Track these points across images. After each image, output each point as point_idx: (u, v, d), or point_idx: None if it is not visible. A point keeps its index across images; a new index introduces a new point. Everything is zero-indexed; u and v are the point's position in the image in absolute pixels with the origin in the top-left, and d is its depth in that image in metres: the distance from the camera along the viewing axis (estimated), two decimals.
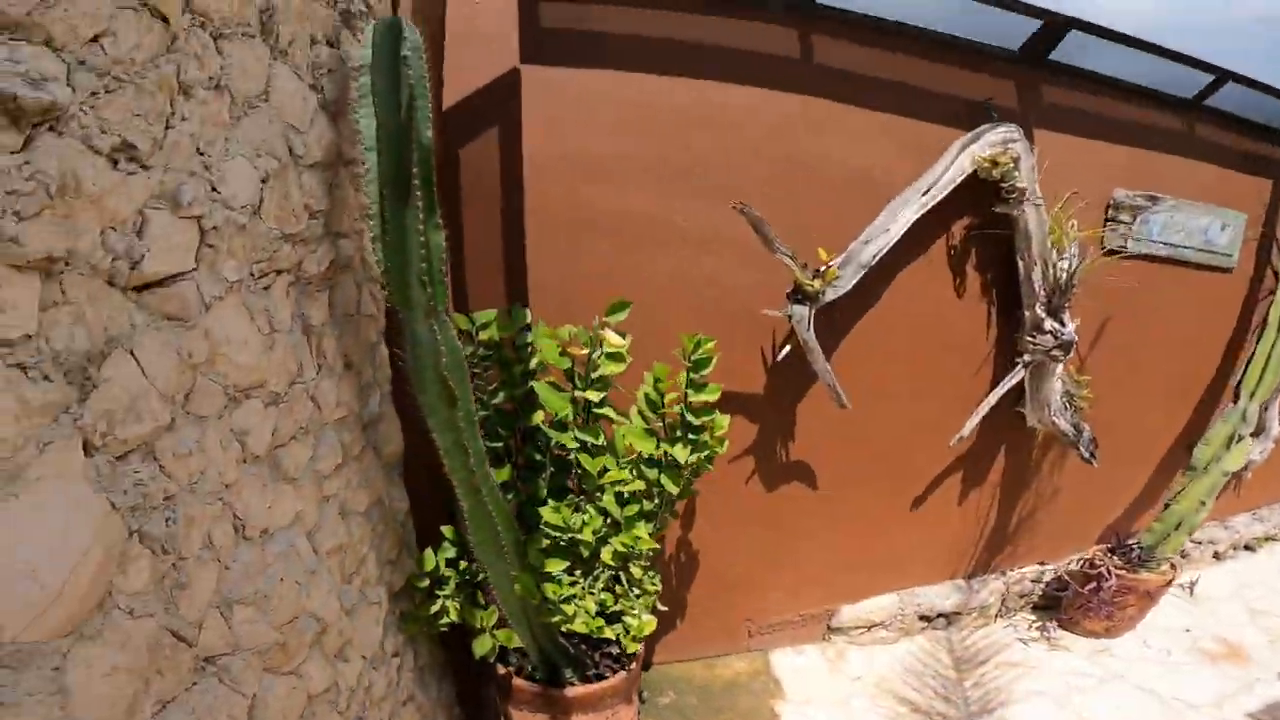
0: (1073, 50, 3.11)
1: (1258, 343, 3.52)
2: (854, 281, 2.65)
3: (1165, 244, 3.39)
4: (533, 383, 2.18)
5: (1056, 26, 2.94)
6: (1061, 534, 3.70)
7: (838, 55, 2.81)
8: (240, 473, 1.28)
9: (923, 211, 2.73)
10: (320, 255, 1.73)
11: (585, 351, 2.09)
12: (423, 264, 1.77)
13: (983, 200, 2.91)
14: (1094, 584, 3.36)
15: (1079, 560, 3.56)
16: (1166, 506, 3.57)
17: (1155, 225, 3.34)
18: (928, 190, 2.74)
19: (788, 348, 2.63)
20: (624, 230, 2.59)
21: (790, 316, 2.52)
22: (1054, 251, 2.87)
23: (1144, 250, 3.31)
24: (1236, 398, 3.54)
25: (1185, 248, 3.46)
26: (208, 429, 1.18)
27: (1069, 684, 3.04)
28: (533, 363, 2.20)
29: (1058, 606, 3.55)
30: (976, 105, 2.96)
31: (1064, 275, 2.80)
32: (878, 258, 2.66)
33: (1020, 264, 2.91)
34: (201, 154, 1.23)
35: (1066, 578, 3.52)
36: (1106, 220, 3.26)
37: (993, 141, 2.83)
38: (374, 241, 1.74)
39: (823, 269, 2.48)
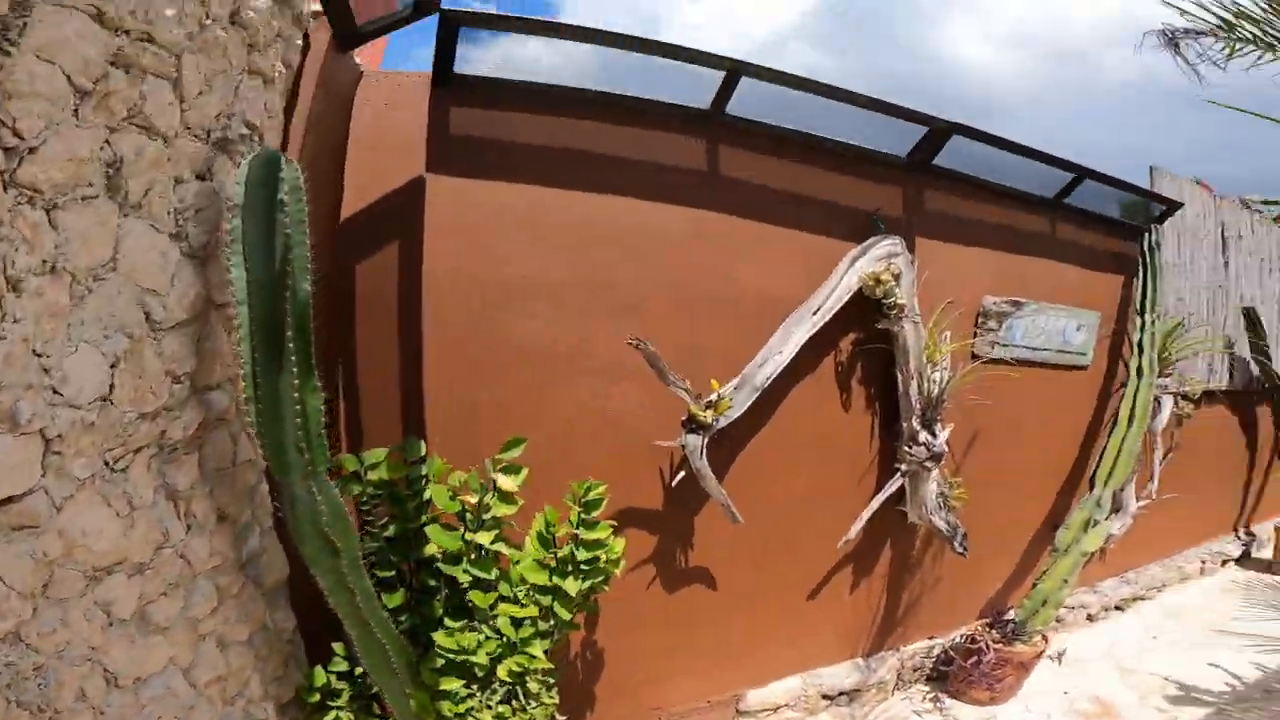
0: (953, 154, 3.34)
1: (1109, 435, 3.87)
2: (748, 404, 2.73)
3: (1028, 347, 3.69)
4: (425, 524, 2.13)
5: (939, 133, 3.16)
6: (947, 611, 3.91)
7: (741, 167, 2.93)
8: (106, 636, 1.32)
9: (814, 330, 2.85)
10: (186, 420, 1.63)
11: (477, 499, 2.06)
12: (299, 430, 1.69)
13: (867, 315, 3.07)
14: (975, 657, 3.57)
15: (963, 635, 3.77)
16: (1034, 585, 3.84)
17: (1019, 330, 3.63)
18: (818, 309, 2.88)
19: (682, 474, 2.67)
20: (529, 356, 2.59)
21: (684, 446, 2.57)
22: (929, 365, 3.06)
23: (1009, 355, 3.60)
24: (1092, 486, 3.86)
25: (1045, 349, 3.77)
26: (70, 608, 1.22)
27: None
28: (426, 496, 2.16)
29: (947, 678, 3.74)
30: (866, 216, 3.14)
31: (935, 390, 2.99)
32: (771, 379, 2.75)
33: (900, 378, 3.09)
34: (39, 355, 1.15)
35: (951, 652, 3.72)
36: (976, 328, 3.51)
37: (878, 256, 3.01)
38: (246, 404, 1.65)
39: (715, 399, 2.54)
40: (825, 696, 3.46)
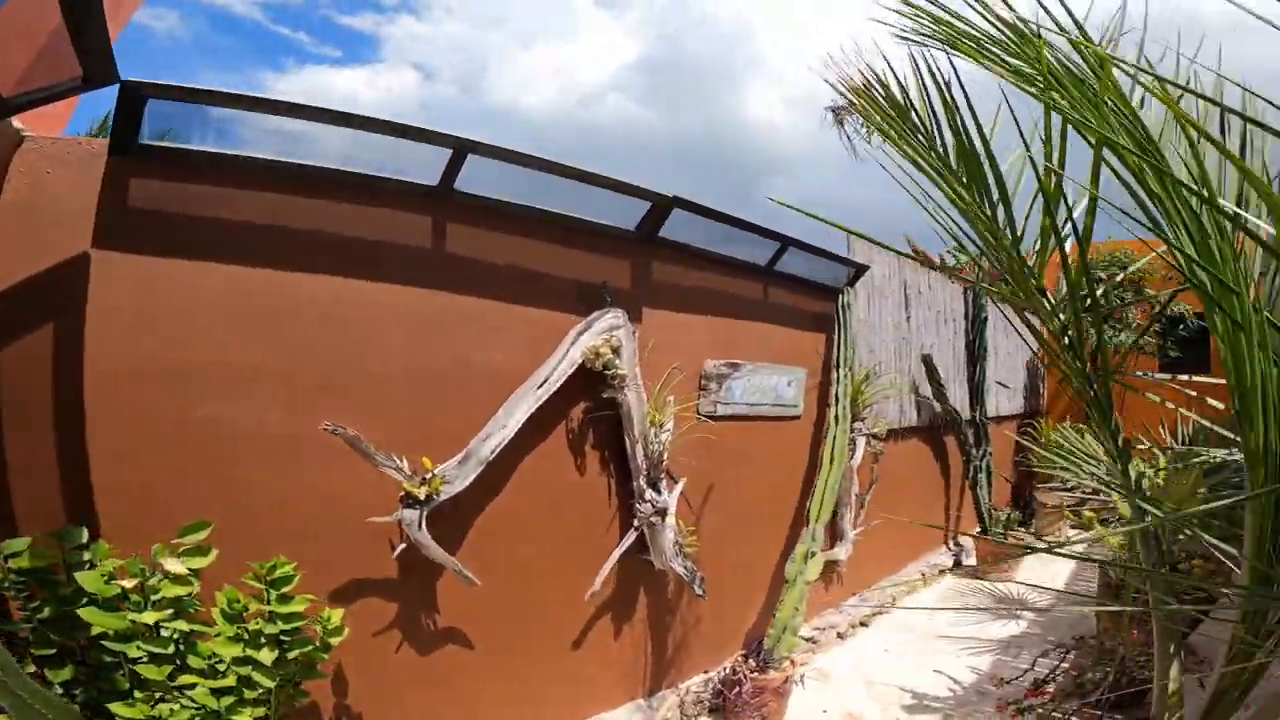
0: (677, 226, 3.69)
1: (817, 477, 4.44)
2: (474, 476, 2.77)
3: (747, 404, 4.15)
4: (82, 606, 2.01)
5: (663, 207, 3.47)
6: (715, 646, 4.21)
7: (471, 244, 3.00)
8: None
9: (539, 403, 2.98)
10: None
11: (136, 581, 1.99)
12: None
13: (595, 385, 3.28)
14: (736, 688, 3.85)
15: (727, 667, 4.06)
16: (774, 615, 4.25)
17: (738, 389, 4.08)
18: (543, 383, 3.01)
19: (404, 545, 2.64)
20: (227, 441, 2.43)
21: (401, 521, 2.55)
22: (652, 430, 3.33)
23: (730, 412, 4.02)
24: (807, 522, 4.38)
25: (763, 404, 4.27)
26: None
27: None
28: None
29: (724, 709, 3.97)
30: (596, 289, 3.36)
31: (656, 451, 3.26)
32: (497, 451, 2.82)
33: (627, 442, 3.32)
34: None
35: (720, 685, 3.98)
36: (699, 390, 3.89)
37: (600, 330, 3.23)
38: None
39: (429, 476, 2.56)
40: None
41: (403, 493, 2.57)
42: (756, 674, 3.93)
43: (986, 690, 4.21)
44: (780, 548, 4.71)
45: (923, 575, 6.56)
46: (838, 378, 4.64)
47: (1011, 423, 8.32)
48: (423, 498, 2.55)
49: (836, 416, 4.54)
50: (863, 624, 5.47)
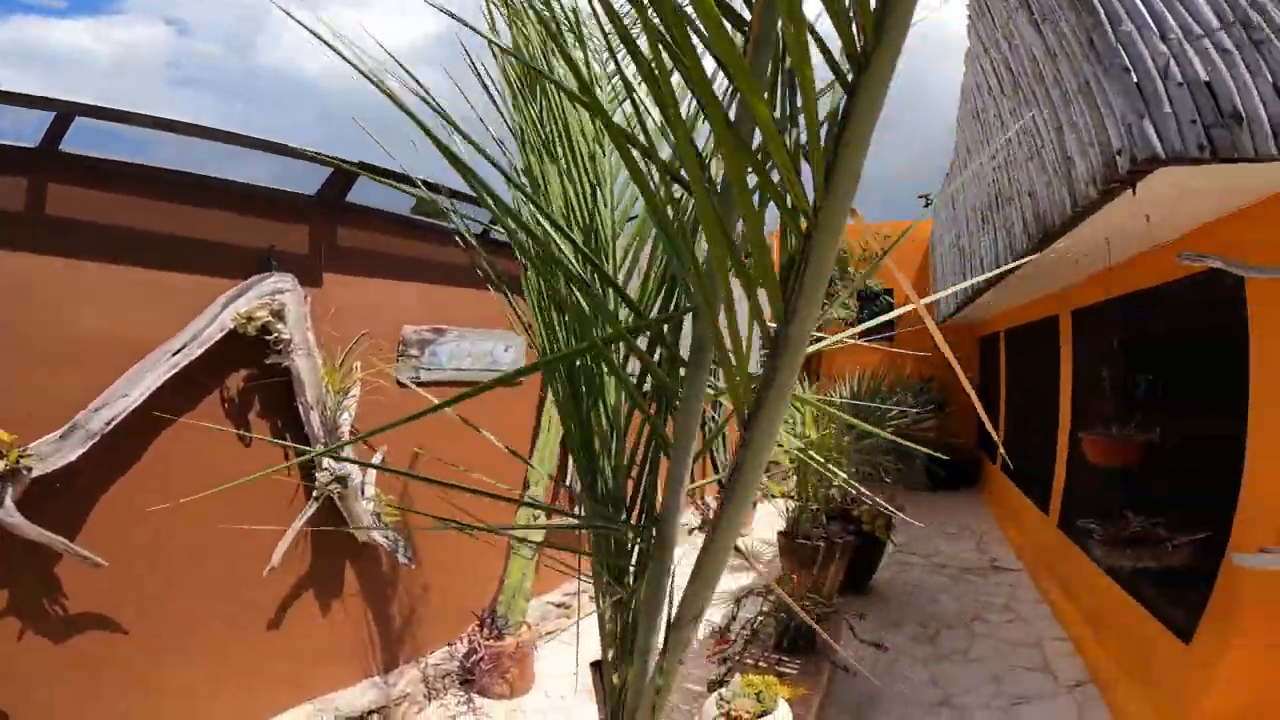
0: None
1: (535, 441, 4.55)
2: (82, 450, 2.47)
3: (455, 369, 4.12)
4: None
5: (346, 173, 3.33)
6: (456, 617, 4.14)
7: (88, 208, 2.68)
8: None
9: (174, 371, 2.72)
10: None
11: None
12: None
13: (259, 351, 3.06)
14: (474, 657, 3.85)
15: (466, 637, 4.02)
16: (502, 582, 4.30)
17: (444, 355, 4.04)
18: (180, 350, 2.75)
19: None
20: None
21: None
22: (330, 396, 3.19)
23: (436, 378, 3.97)
24: (527, 487, 4.48)
25: (474, 370, 4.26)
26: None
27: None
28: None
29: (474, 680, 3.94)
30: (259, 253, 3.13)
31: (330, 417, 3.13)
32: (115, 423, 2.54)
33: (300, 409, 3.15)
34: None
35: (462, 656, 3.94)
36: (399, 355, 3.80)
37: (260, 294, 3.02)
38: None
39: (6, 451, 2.24)
40: (352, 718, 3.44)
41: None
42: (492, 641, 3.96)
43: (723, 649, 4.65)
44: (509, 514, 4.76)
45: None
46: None
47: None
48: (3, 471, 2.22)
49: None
50: None
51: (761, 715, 2.71)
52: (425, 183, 3.76)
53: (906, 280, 0.69)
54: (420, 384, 3.87)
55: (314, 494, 3.20)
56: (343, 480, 3.17)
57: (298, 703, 3.35)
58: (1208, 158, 1.86)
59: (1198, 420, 3.27)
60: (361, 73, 0.96)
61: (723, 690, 2.88)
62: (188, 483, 2.91)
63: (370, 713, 3.57)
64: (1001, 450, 7.63)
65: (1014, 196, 3.65)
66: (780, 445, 5.25)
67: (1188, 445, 3.33)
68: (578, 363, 1.30)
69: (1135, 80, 2.02)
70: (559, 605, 5.13)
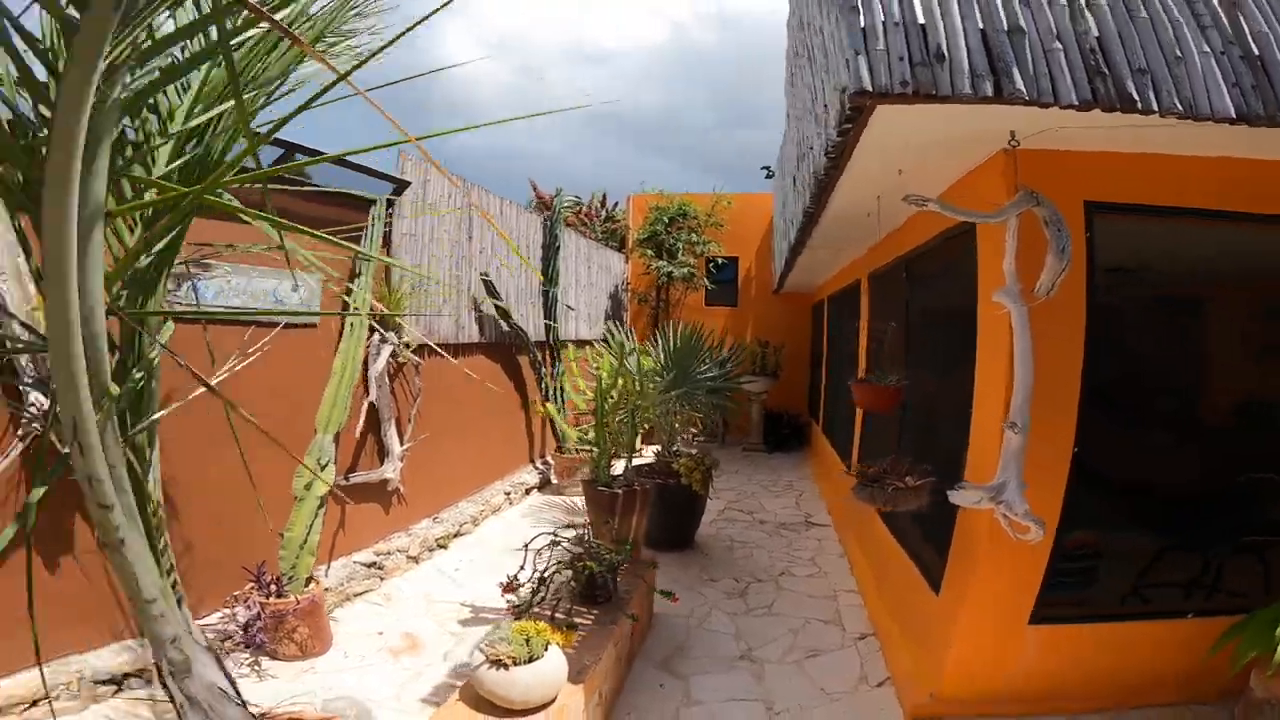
0: None
1: (326, 387, 4.23)
2: None
3: (225, 307, 3.72)
4: None
5: None
6: (234, 576, 3.79)
7: None
8: None
9: None
10: None
11: None
12: None
13: None
14: (255, 617, 3.55)
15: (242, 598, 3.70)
16: (283, 536, 3.96)
17: (208, 292, 3.63)
18: None
19: None
20: None
21: None
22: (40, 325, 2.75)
23: (200, 315, 3.55)
24: (315, 433, 4.17)
25: (250, 309, 3.87)
26: None
27: (280, 706, 3.00)
28: None
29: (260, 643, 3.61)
30: None
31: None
32: None
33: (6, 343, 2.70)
34: None
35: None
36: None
37: None
38: None
39: None
40: (103, 682, 3.13)
41: None
42: (272, 600, 3.65)
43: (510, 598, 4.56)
44: (291, 465, 4.42)
45: (507, 495, 6.84)
46: (357, 285, 4.45)
47: (593, 347, 9.13)
48: None
49: (352, 325, 4.36)
50: (440, 545, 5.50)
51: (529, 660, 2.63)
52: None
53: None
54: (180, 320, 3.45)
55: (20, 434, 2.77)
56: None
57: (25, 665, 2.94)
58: (910, 94, 1.92)
59: (948, 368, 3.52)
60: None
61: (490, 637, 2.79)
62: None
63: (127, 675, 3.22)
64: (821, 411, 8.06)
65: (804, 155, 3.75)
66: (579, 390, 5.24)
67: (940, 392, 3.59)
68: None
69: (861, 23, 2.05)
70: (369, 565, 4.86)
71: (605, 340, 8.44)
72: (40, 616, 3.00)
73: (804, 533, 6.10)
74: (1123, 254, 2.69)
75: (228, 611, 3.84)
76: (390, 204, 4.92)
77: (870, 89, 1.93)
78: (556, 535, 3.73)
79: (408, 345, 4.93)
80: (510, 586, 3.55)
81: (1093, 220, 2.53)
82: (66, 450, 1.17)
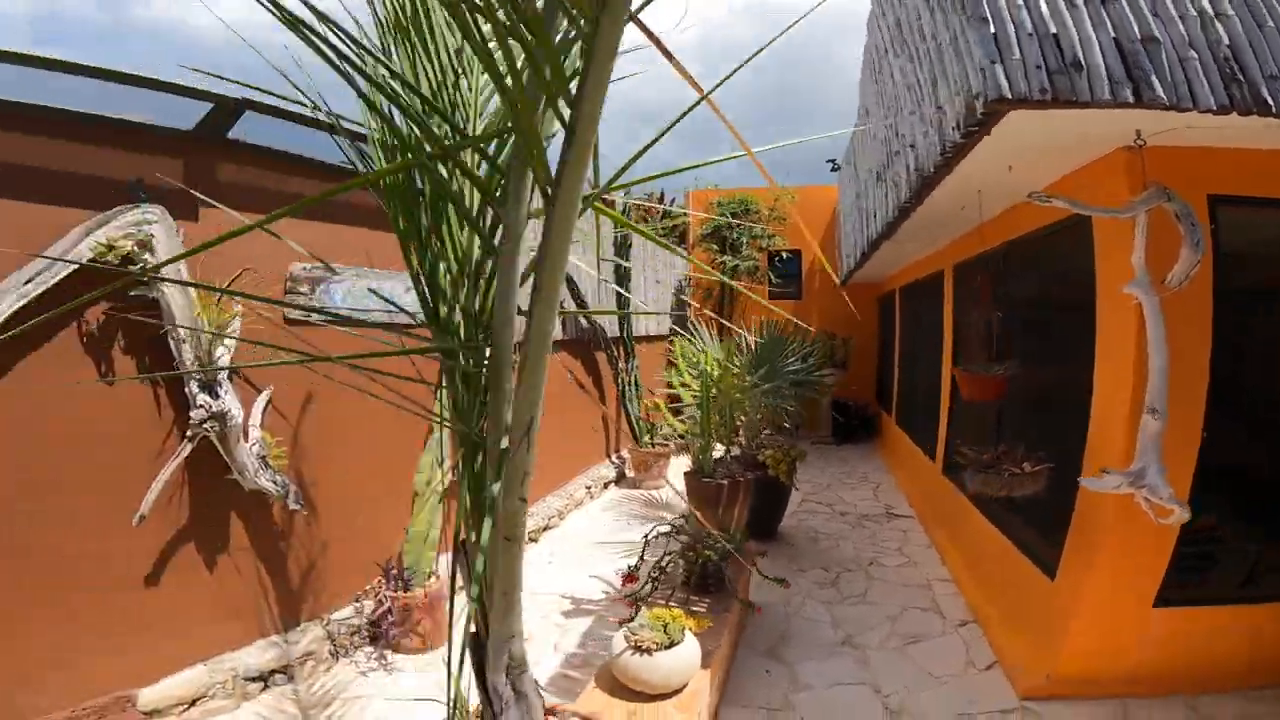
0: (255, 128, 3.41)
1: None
2: None
3: (353, 310, 3.98)
4: None
5: (227, 109, 3.18)
6: (363, 569, 4.06)
7: None
8: None
9: (24, 301, 2.53)
10: None
11: None
12: None
13: (127, 283, 2.88)
14: (385, 612, 3.79)
15: (372, 591, 3.96)
16: (407, 531, 4.23)
17: (338, 294, 3.90)
18: (32, 279, 2.56)
19: None
20: None
21: None
22: (205, 328, 3.04)
23: (331, 318, 3.83)
24: (432, 430, 4.41)
25: (374, 312, 4.13)
26: None
27: (403, 702, 3.34)
28: None
29: (385, 637, 3.86)
30: (123, 185, 2.93)
31: (206, 353, 2.99)
32: None
33: (172, 344, 2.99)
34: None
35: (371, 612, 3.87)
36: (287, 293, 3.64)
37: (124, 224, 2.83)
38: None
39: None
40: (251, 679, 3.36)
41: None
42: (400, 594, 3.91)
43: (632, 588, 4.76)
44: (410, 463, 4.68)
45: (588, 489, 7.04)
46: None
47: (661, 342, 9.29)
48: None
49: None
50: (532, 539, 5.73)
51: (669, 646, 2.76)
52: (303, 118, 3.61)
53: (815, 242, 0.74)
54: (315, 324, 3.72)
55: (189, 434, 3.06)
56: (220, 418, 3.04)
57: (187, 664, 3.23)
58: (1049, 100, 2.01)
59: (1059, 357, 3.56)
60: None
61: (631, 624, 2.93)
62: (46, 425, 2.74)
63: (273, 672, 3.49)
64: (895, 402, 8.06)
65: (901, 151, 3.82)
66: (686, 384, 5.42)
67: (1049, 381, 3.63)
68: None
69: (992, 31, 2.15)
70: None
71: (673, 334, 8.59)
72: (198, 616, 3.33)
73: (886, 524, 6.14)
74: (1243, 245, 2.71)
75: (356, 606, 4.10)
76: None
77: (1009, 96, 2.02)
78: (673, 526, 3.89)
79: None
80: (630, 577, 3.73)
81: (1216, 213, 2.57)
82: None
